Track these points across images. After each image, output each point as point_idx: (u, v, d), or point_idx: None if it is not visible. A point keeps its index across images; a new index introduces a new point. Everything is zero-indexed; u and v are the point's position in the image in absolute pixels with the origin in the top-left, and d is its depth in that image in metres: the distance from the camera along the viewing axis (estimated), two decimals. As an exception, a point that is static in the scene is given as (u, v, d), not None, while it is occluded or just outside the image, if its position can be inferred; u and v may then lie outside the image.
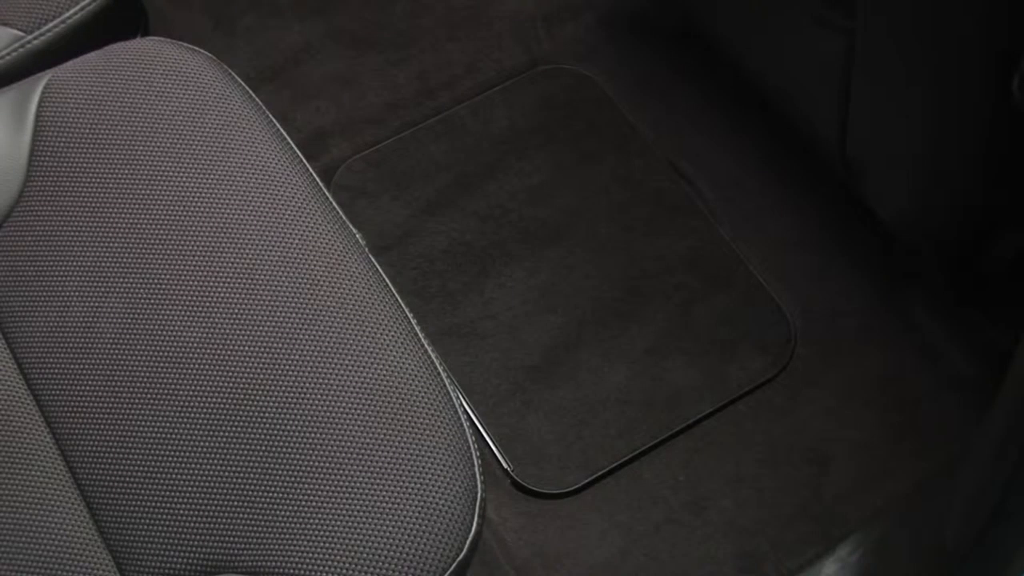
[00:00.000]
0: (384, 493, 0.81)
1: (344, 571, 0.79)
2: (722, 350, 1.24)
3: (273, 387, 0.84)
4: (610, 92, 1.38)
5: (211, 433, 0.84)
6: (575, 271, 1.31)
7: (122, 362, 0.87)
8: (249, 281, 0.88)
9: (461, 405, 0.86)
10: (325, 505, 0.81)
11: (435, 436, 0.83)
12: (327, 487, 0.81)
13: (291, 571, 0.80)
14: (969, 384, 1.18)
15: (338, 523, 0.80)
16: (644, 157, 1.34)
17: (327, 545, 0.80)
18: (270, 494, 0.82)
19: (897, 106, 0.98)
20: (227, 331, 0.87)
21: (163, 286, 0.89)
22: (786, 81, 1.14)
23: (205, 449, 0.84)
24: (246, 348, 0.86)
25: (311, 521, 0.81)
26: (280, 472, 0.82)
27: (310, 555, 0.80)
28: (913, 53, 0.93)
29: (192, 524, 0.82)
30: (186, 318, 0.88)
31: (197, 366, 0.86)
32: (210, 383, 0.85)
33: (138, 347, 0.87)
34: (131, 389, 0.86)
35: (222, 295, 0.88)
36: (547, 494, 1.18)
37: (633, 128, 1.36)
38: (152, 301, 0.89)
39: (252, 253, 0.89)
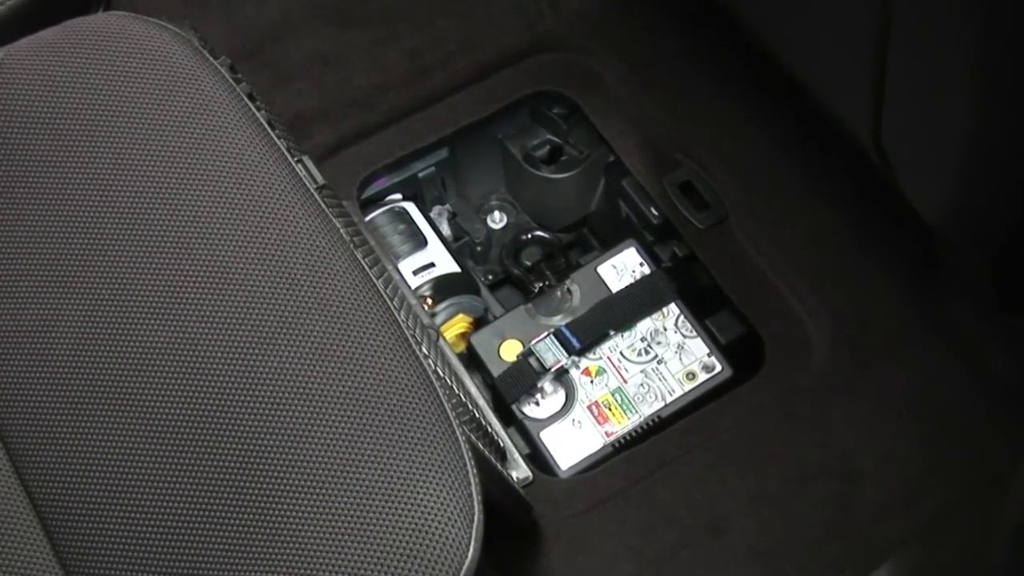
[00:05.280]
0: (371, 515, 0.79)
1: (326, 601, 0.78)
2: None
3: (249, 397, 0.83)
4: (619, 73, 1.35)
5: (180, 448, 0.83)
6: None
7: (82, 369, 0.86)
8: (222, 280, 0.87)
9: (456, 417, 0.84)
10: (305, 528, 0.79)
11: (427, 451, 0.81)
12: (307, 508, 0.80)
13: (267, 601, 0.79)
14: (1013, 393, 1.15)
15: (320, 548, 0.79)
16: (654, 143, 1.31)
17: (307, 572, 0.78)
18: (245, 516, 0.80)
19: (939, 85, 0.95)
20: (198, 335, 0.85)
21: (127, 286, 0.88)
22: (813, 58, 1.11)
23: (173, 466, 0.82)
24: (219, 354, 0.85)
25: (290, 545, 0.79)
26: (256, 491, 0.81)
27: (288, 583, 0.79)
28: (956, 22, 0.89)
29: (159, 549, 0.81)
30: (153, 321, 0.86)
31: (165, 374, 0.85)
32: (179, 393, 0.84)
33: (100, 353, 0.86)
34: (92, 399, 0.85)
35: (192, 296, 0.87)
36: (551, 515, 1.14)
37: (643, 112, 1.33)
38: (115, 302, 0.88)
39: (226, 249, 0.88)
